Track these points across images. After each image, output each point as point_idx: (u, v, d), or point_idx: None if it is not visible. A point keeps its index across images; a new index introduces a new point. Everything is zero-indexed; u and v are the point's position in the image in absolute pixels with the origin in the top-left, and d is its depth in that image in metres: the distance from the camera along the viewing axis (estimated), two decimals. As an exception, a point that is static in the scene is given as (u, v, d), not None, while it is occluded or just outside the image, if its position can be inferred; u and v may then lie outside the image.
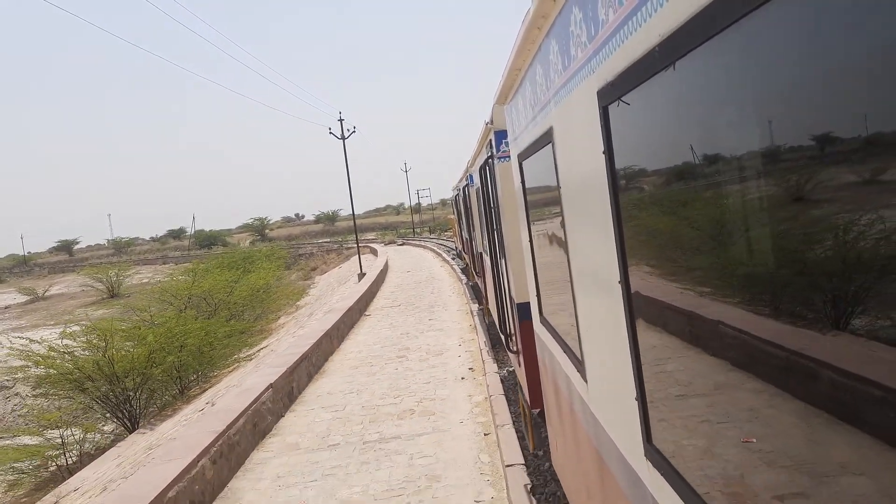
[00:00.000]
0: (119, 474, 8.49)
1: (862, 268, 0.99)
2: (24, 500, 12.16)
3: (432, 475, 6.27)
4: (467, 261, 20.81)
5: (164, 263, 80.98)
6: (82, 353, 14.51)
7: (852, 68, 0.90)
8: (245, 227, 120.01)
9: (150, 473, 5.88)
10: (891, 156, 0.86)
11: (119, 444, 12.25)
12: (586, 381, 2.98)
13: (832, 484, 1.13)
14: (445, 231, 66.80)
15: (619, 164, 2.03)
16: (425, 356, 11.53)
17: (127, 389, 13.70)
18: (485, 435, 7.21)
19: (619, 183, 2.04)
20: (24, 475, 12.74)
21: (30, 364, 14.81)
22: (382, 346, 13.02)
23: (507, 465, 6.01)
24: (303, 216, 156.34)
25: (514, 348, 6.82)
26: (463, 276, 22.68)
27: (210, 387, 14.57)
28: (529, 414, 6.32)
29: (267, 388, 8.51)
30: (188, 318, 17.45)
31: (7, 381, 20.71)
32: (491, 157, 6.63)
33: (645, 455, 2.07)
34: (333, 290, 29.53)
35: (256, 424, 7.83)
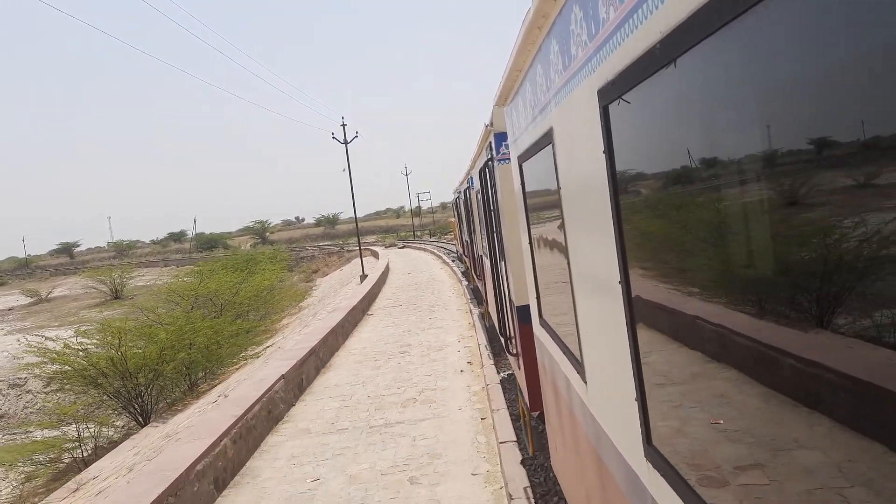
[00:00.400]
0: (141, 460, 9.10)
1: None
2: (42, 490, 12.76)
3: (433, 453, 6.89)
4: (468, 264, 21.01)
5: (165, 266, 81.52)
6: (96, 350, 15.17)
7: (853, 65, 0.90)
8: (246, 230, 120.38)
9: (178, 450, 6.51)
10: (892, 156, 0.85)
11: (133, 437, 12.84)
12: (586, 383, 2.96)
13: (832, 484, 1.12)
14: (445, 234, 67.40)
15: (619, 164, 2.02)
16: (426, 351, 12.17)
17: (139, 385, 14.32)
18: (481, 419, 7.82)
19: (620, 183, 2.03)
20: (42, 466, 13.35)
21: (46, 360, 15.44)
22: (385, 342, 13.66)
23: (501, 442, 6.64)
24: (303, 219, 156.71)
25: (514, 351, 6.80)
26: (463, 279, 23.25)
27: (219, 383, 15.17)
28: (529, 417, 6.32)
29: (279, 379, 9.13)
30: (196, 318, 18.09)
31: (20, 378, 21.31)
32: (491, 159, 6.67)
33: (645, 456, 2.05)
34: (335, 291, 30.15)
35: (270, 411, 8.45)
